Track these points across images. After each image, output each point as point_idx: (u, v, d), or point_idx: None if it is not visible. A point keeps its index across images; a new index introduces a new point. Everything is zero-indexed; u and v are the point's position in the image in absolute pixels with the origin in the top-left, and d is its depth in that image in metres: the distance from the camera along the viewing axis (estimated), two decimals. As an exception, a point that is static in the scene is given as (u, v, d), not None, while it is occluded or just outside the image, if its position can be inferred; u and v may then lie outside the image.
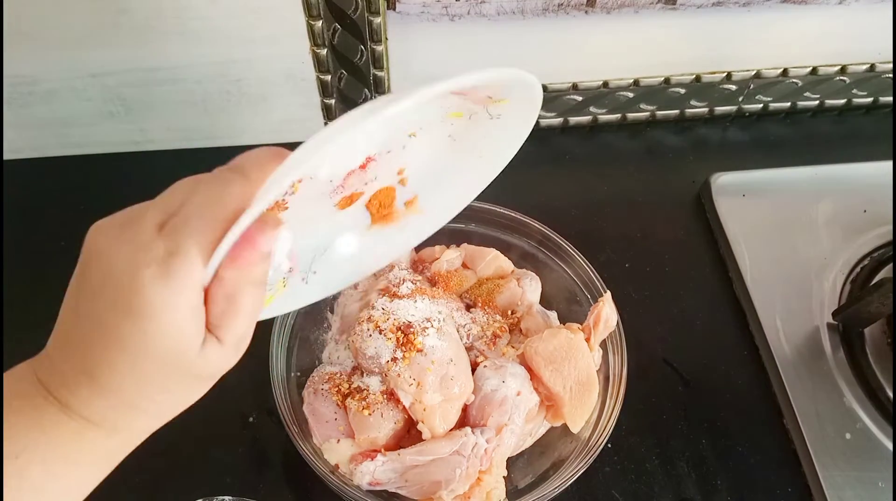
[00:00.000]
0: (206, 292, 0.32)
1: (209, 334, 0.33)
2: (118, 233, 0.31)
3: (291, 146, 0.32)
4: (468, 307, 0.59)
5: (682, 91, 0.75)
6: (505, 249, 0.62)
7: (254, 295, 0.33)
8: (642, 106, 0.76)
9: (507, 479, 0.51)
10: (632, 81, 0.74)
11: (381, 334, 0.51)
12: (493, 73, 0.33)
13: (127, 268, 0.30)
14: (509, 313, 0.59)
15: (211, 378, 0.35)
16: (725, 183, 0.70)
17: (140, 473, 0.55)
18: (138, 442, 0.38)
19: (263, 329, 0.55)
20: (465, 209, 0.62)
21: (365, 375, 0.52)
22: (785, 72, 0.75)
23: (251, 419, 0.58)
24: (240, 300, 0.33)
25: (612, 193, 0.73)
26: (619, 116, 0.77)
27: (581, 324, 0.54)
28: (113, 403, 0.33)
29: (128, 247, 0.31)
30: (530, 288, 0.59)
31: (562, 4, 0.65)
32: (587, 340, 0.53)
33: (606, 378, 0.55)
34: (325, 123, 0.73)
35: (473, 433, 0.50)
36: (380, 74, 0.67)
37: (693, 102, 0.77)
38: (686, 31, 0.70)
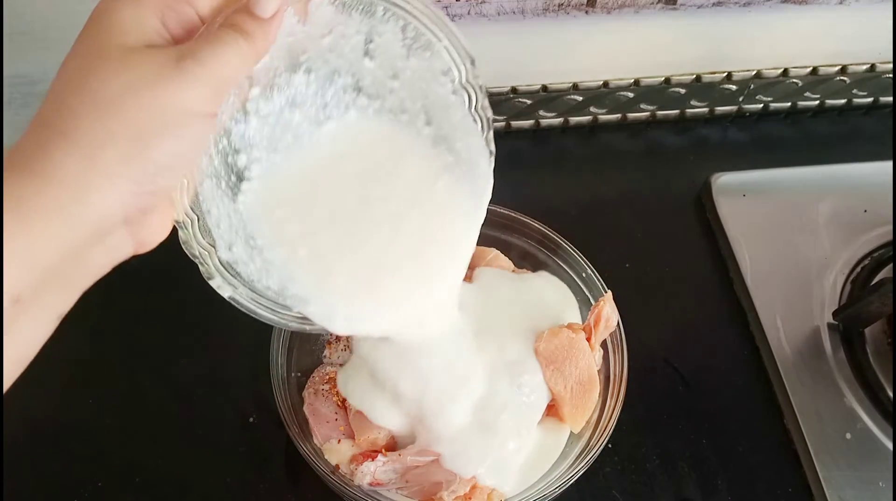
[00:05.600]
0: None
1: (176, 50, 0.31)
2: None
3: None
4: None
5: (683, 91, 0.75)
6: (505, 249, 0.62)
7: (238, 44, 0.31)
8: (642, 106, 0.76)
9: (508, 479, 0.51)
10: (632, 81, 0.73)
11: (381, 334, 0.51)
12: None
13: None
14: (510, 313, 0.59)
15: (138, 80, 0.29)
16: (726, 183, 0.70)
17: (140, 473, 0.55)
18: (69, 206, 0.29)
19: (263, 329, 0.55)
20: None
21: (365, 375, 0.53)
22: (785, 72, 0.75)
23: (251, 419, 0.58)
24: (216, 36, 0.31)
25: (612, 193, 0.73)
26: (619, 116, 0.77)
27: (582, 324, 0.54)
28: (34, 126, 0.29)
29: None
30: (530, 288, 0.59)
31: (562, 4, 0.65)
32: (588, 340, 0.53)
33: (607, 378, 0.55)
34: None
35: (474, 433, 0.50)
36: (380, 74, 0.67)
37: (693, 102, 0.77)
38: (686, 31, 0.70)
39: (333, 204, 0.40)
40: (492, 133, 0.40)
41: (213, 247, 0.37)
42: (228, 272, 0.37)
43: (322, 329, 0.40)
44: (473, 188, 0.41)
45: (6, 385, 0.30)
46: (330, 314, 0.40)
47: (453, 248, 0.42)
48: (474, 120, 0.39)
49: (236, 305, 0.37)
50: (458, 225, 0.42)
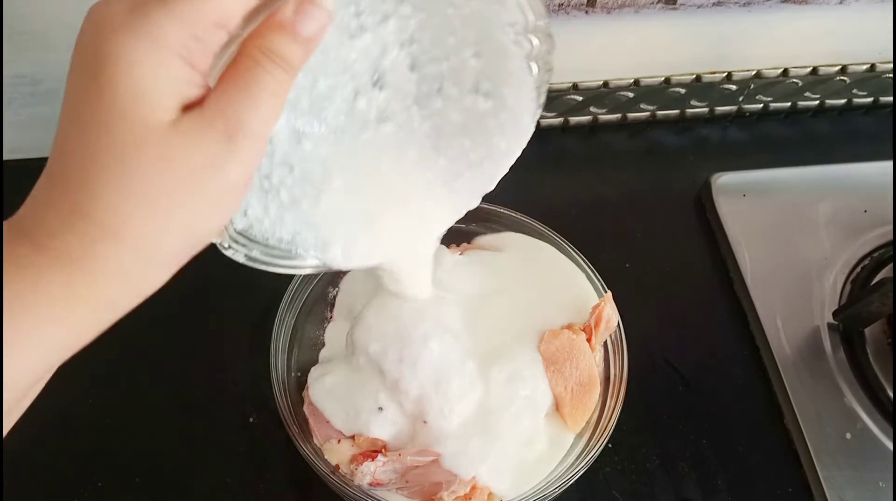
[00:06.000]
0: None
1: (199, 109, 0.27)
2: None
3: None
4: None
5: (683, 91, 0.75)
6: (505, 249, 0.62)
7: (278, 79, 0.27)
8: (642, 106, 0.76)
9: (508, 479, 0.51)
10: (632, 80, 0.73)
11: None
12: None
13: (93, 18, 0.26)
14: (510, 313, 0.59)
15: (188, 174, 0.26)
16: (726, 183, 0.70)
17: (140, 473, 0.55)
18: (114, 291, 0.28)
19: (263, 330, 0.55)
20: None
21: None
22: (785, 72, 0.75)
23: (251, 419, 0.58)
24: (256, 81, 0.26)
25: (612, 193, 0.73)
26: (619, 115, 0.77)
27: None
28: (59, 206, 0.26)
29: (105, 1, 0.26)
30: (530, 288, 0.59)
31: (562, 4, 0.65)
32: (588, 340, 0.53)
33: (607, 379, 0.55)
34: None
35: (474, 433, 0.50)
36: (380, 73, 0.67)
37: (693, 102, 0.77)
38: (686, 31, 0.70)
39: (357, 142, 0.39)
40: (546, 86, 0.38)
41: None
42: (244, 237, 0.38)
43: (329, 268, 0.41)
44: (509, 140, 0.40)
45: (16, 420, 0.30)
46: (348, 251, 0.40)
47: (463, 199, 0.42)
48: (530, 71, 0.37)
49: (252, 264, 0.38)
50: (482, 170, 0.41)
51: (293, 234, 0.39)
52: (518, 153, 0.40)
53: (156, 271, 0.28)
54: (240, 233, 0.37)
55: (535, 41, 0.36)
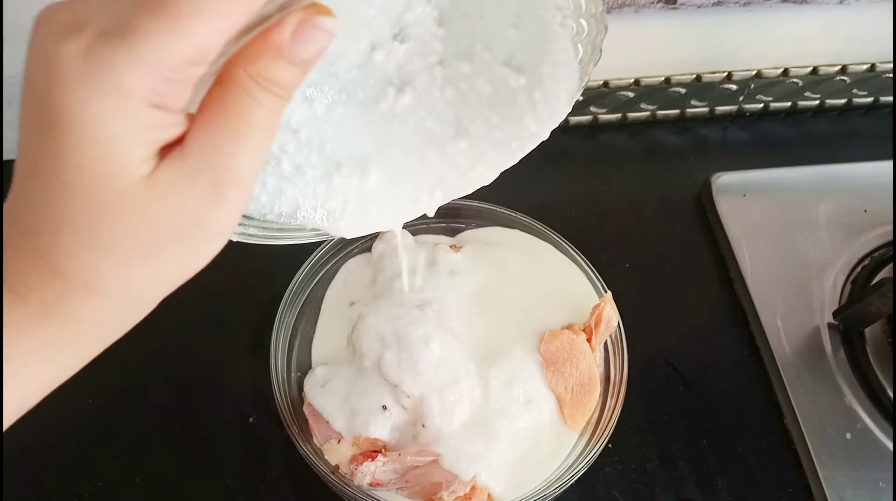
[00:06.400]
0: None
1: (180, 156, 0.24)
2: (59, 9, 0.22)
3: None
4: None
5: (683, 91, 0.75)
6: (505, 249, 0.62)
7: (272, 109, 0.24)
8: (642, 106, 0.76)
9: (508, 479, 0.51)
10: (632, 80, 0.73)
11: (381, 334, 0.51)
12: None
13: (43, 56, 0.22)
14: (510, 313, 0.59)
15: (171, 232, 0.24)
16: (726, 183, 0.70)
17: (140, 473, 0.55)
18: (98, 334, 0.27)
19: (263, 330, 0.55)
20: (464, 209, 0.62)
21: (365, 375, 0.52)
22: (785, 72, 0.75)
23: (251, 419, 0.58)
24: (246, 117, 0.23)
25: (612, 193, 0.73)
26: (619, 115, 0.77)
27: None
28: (32, 259, 0.25)
29: (56, 23, 0.22)
30: (530, 288, 0.59)
31: (562, 4, 0.64)
32: (588, 340, 0.53)
33: (607, 379, 0.55)
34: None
35: (474, 433, 0.50)
36: (380, 73, 0.67)
37: (693, 102, 0.77)
38: (686, 31, 0.70)
39: (374, 114, 0.36)
40: (592, 69, 0.35)
41: None
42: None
43: (330, 238, 0.39)
44: (539, 122, 0.36)
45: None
46: (354, 224, 0.38)
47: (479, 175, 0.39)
48: (576, 53, 0.34)
49: (247, 240, 0.36)
50: (500, 151, 0.37)
51: (294, 208, 0.36)
52: (546, 136, 0.37)
53: (138, 312, 0.27)
54: None
55: (585, 25, 0.33)
